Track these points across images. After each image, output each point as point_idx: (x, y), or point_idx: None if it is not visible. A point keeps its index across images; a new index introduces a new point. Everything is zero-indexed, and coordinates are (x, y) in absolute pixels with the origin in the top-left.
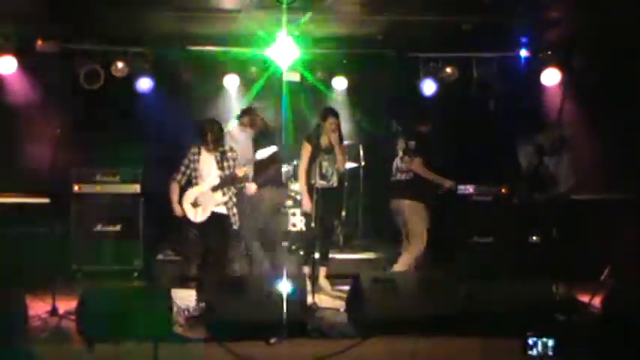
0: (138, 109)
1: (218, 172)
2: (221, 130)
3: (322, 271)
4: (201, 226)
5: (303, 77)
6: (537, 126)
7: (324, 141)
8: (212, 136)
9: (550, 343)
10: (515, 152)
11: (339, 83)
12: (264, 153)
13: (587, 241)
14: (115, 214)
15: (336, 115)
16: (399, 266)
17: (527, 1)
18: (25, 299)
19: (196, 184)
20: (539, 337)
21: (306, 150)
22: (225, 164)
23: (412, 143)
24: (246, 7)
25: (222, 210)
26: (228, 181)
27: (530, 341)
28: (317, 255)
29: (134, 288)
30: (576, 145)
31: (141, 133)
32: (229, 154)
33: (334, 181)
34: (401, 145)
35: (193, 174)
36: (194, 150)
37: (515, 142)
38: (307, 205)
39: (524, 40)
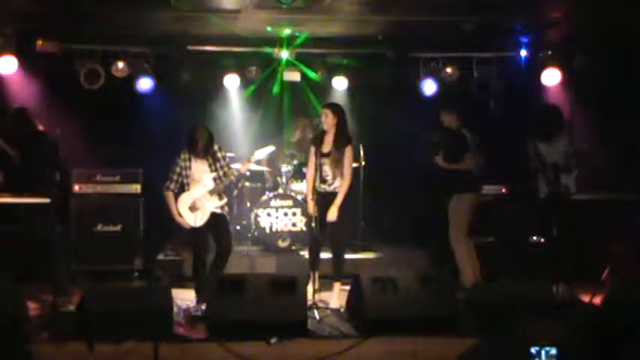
0: (138, 109)
1: (212, 175)
2: (211, 136)
3: (336, 288)
4: (201, 229)
5: (303, 77)
6: (543, 132)
7: (326, 143)
8: (202, 144)
9: (553, 351)
10: (519, 154)
11: (339, 83)
12: (262, 152)
13: (587, 241)
14: (115, 214)
15: (327, 106)
16: None
17: (527, 1)
18: (25, 299)
19: (188, 189)
20: (542, 346)
21: (311, 153)
22: (218, 165)
23: (477, 137)
24: (246, 7)
25: (219, 211)
26: (224, 182)
27: (533, 350)
28: (323, 255)
29: (134, 288)
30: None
31: (141, 133)
32: (219, 155)
33: (337, 186)
34: (470, 139)
35: (185, 180)
36: (184, 156)
37: (521, 146)
38: (310, 210)
39: (524, 40)
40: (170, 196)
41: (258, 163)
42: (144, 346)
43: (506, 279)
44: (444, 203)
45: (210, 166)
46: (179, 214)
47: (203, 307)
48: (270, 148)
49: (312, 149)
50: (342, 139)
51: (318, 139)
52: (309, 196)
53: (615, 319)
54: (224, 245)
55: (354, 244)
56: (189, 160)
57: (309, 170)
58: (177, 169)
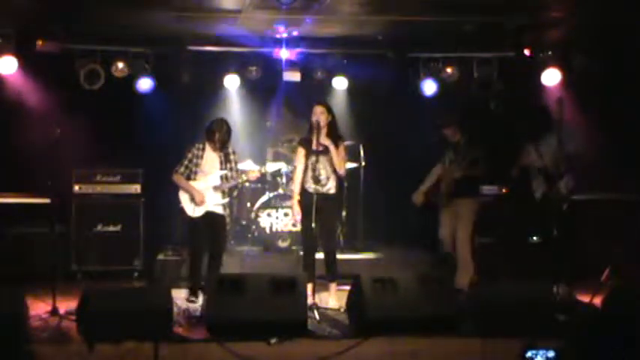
0: (138, 109)
1: (221, 172)
2: (229, 131)
3: (332, 288)
4: (196, 222)
5: (303, 77)
6: (538, 133)
7: (318, 142)
8: (220, 135)
9: (550, 354)
10: (516, 155)
11: (339, 83)
12: (273, 167)
13: (587, 241)
14: (115, 214)
15: (322, 104)
16: None
17: (527, 1)
18: (25, 299)
19: (195, 179)
20: (539, 348)
21: (300, 155)
22: (228, 165)
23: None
24: (246, 7)
25: (219, 210)
26: (230, 182)
27: (530, 354)
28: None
29: (134, 288)
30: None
31: (141, 133)
32: (232, 157)
33: (331, 187)
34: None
35: (194, 169)
36: (199, 146)
37: (517, 146)
38: (296, 216)
39: (524, 40)
40: (181, 177)
41: (255, 162)
42: (144, 346)
43: (506, 279)
44: (449, 206)
45: (221, 163)
46: (191, 196)
47: (197, 305)
48: (281, 164)
49: (302, 151)
50: (336, 136)
51: (307, 139)
52: (296, 203)
53: (615, 319)
54: (218, 245)
55: (354, 244)
56: (203, 150)
57: (297, 172)
58: (190, 155)
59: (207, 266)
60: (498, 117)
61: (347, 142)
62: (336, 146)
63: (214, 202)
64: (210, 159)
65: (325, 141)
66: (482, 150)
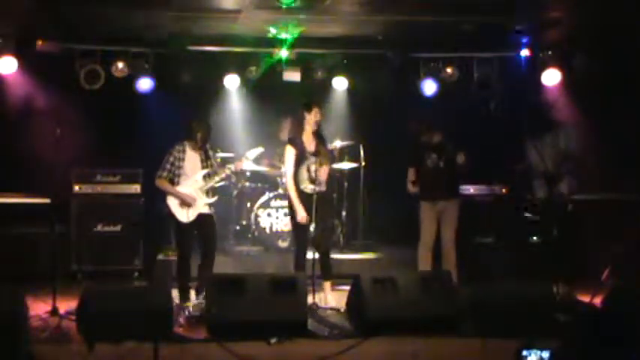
0: (138, 109)
1: (203, 172)
2: (209, 129)
3: (327, 286)
4: (190, 226)
5: (303, 77)
6: (539, 131)
7: (309, 142)
8: (202, 134)
9: (545, 355)
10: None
11: (339, 83)
12: (253, 153)
13: (587, 241)
14: (115, 214)
15: (319, 105)
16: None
17: (527, 1)
18: (25, 299)
19: (178, 183)
20: (534, 348)
21: (291, 154)
22: (209, 162)
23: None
24: (246, 7)
25: (207, 210)
26: (214, 179)
27: (525, 352)
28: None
29: (134, 288)
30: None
31: (141, 133)
32: (210, 153)
33: (324, 186)
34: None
35: (177, 172)
36: (179, 148)
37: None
38: (302, 215)
39: (524, 40)
40: (165, 182)
41: (256, 162)
42: (144, 346)
43: (506, 279)
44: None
45: (202, 161)
46: (180, 201)
47: (190, 308)
48: (260, 150)
49: (293, 151)
50: (323, 136)
51: (297, 139)
52: (299, 203)
53: (615, 319)
54: (210, 245)
55: (354, 244)
56: (184, 152)
57: (290, 174)
58: (171, 159)
59: (200, 266)
60: (498, 117)
61: (347, 142)
62: (326, 146)
63: (203, 203)
64: (191, 159)
65: (314, 146)
66: (463, 149)
